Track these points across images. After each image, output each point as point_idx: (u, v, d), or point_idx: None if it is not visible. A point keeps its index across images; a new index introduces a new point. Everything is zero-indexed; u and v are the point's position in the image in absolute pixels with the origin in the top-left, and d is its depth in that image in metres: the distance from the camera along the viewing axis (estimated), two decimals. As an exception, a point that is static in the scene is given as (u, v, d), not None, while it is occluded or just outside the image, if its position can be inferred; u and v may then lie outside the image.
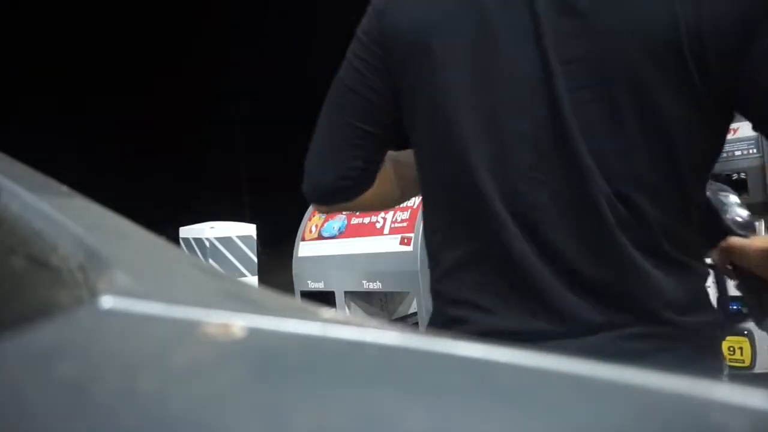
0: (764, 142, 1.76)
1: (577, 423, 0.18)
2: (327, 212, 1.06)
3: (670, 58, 0.56)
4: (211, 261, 4.04)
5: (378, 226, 2.32)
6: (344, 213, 2.54)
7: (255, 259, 4.43)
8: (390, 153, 0.82)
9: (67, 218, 0.32)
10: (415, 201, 2.27)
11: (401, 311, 2.77)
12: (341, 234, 2.47)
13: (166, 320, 0.24)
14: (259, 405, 0.18)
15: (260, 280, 4.58)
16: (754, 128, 0.61)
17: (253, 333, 0.24)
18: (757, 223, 1.70)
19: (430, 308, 2.29)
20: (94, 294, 0.25)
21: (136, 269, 0.29)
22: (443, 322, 0.73)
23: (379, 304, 2.66)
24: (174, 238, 4.56)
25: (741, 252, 0.68)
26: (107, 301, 0.24)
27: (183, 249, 3.96)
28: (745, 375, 1.74)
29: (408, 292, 2.52)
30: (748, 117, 0.60)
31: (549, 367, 0.21)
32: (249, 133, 19.29)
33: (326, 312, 0.28)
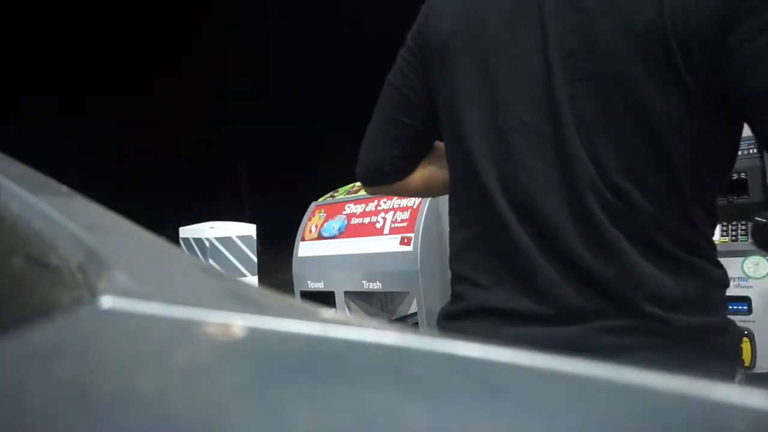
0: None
1: (577, 423, 0.18)
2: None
3: (657, 52, 0.57)
4: (211, 261, 4.04)
5: (378, 226, 2.32)
6: (344, 214, 2.54)
7: (255, 259, 4.42)
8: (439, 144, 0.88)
9: (67, 218, 0.32)
10: (415, 201, 2.26)
11: (401, 311, 2.77)
12: (341, 234, 2.47)
13: (166, 320, 0.24)
14: (259, 405, 0.18)
15: (260, 280, 4.58)
16: (751, 129, 0.60)
17: (253, 333, 0.23)
18: None
19: (430, 308, 2.28)
20: (94, 294, 0.25)
21: (136, 269, 0.29)
22: (451, 297, 0.81)
23: (379, 304, 2.66)
24: (174, 238, 4.56)
25: None
26: (107, 301, 0.24)
27: (183, 249, 3.96)
28: (744, 375, 1.74)
29: (408, 292, 2.52)
30: (743, 116, 0.60)
31: (549, 367, 0.21)
32: (249, 133, 19.28)
33: (326, 312, 0.28)
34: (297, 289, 2.62)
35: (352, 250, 2.40)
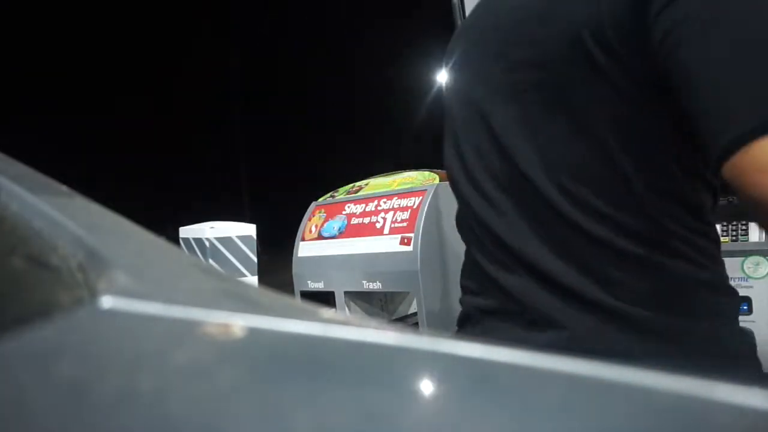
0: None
1: (577, 422, 0.18)
2: None
3: (578, 52, 0.57)
4: (211, 261, 4.04)
5: (378, 226, 2.32)
6: (344, 214, 2.54)
7: (255, 259, 4.43)
8: None
9: (67, 218, 0.32)
10: (415, 201, 2.26)
11: (401, 311, 2.77)
12: (341, 234, 2.47)
13: (166, 320, 0.24)
14: (259, 405, 0.18)
15: (260, 280, 4.58)
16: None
17: (253, 333, 0.23)
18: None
19: (430, 308, 2.28)
20: (94, 294, 0.25)
21: (136, 269, 0.29)
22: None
23: (379, 304, 2.66)
24: (174, 238, 4.56)
25: None
26: (107, 301, 0.24)
27: (183, 249, 3.95)
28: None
29: (408, 292, 2.52)
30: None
31: (549, 367, 0.21)
32: (249, 133, 19.29)
33: (326, 312, 0.28)
34: (297, 289, 2.62)
35: (352, 250, 2.40)
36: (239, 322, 0.24)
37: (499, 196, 0.67)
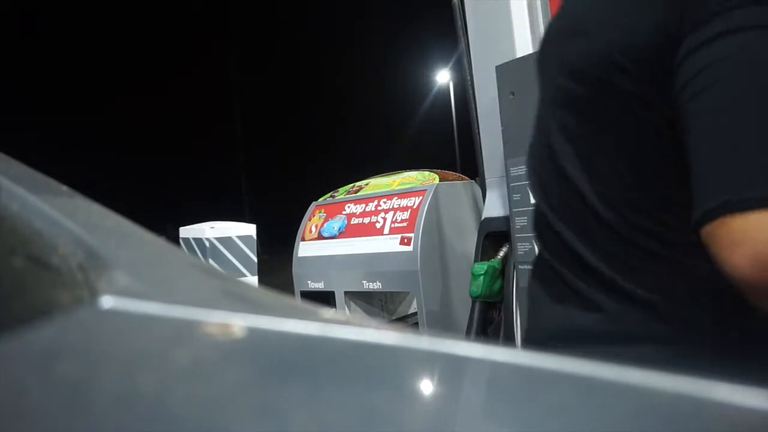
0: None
1: (577, 422, 0.18)
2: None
3: (614, 74, 0.59)
4: (211, 261, 4.03)
5: (378, 226, 2.32)
6: (344, 214, 2.54)
7: (255, 259, 4.42)
8: None
9: (67, 218, 0.32)
10: (415, 201, 2.26)
11: (401, 311, 2.77)
12: (341, 234, 2.47)
13: (166, 320, 0.24)
14: (259, 404, 0.18)
15: (260, 280, 4.58)
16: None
17: (253, 333, 0.23)
18: None
19: (430, 308, 2.27)
20: (94, 294, 0.25)
21: (136, 269, 0.29)
22: None
23: (379, 304, 2.66)
24: (174, 238, 4.56)
25: None
26: (107, 301, 0.24)
27: (183, 249, 3.95)
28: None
29: (408, 292, 2.52)
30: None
31: (549, 367, 0.21)
32: (249, 133, 19.29)
33: (326, 312, 0.28)
34: (297, 289, 2.62)
35: (352, 250, 2.40)
36: (239, 322, 0.24)
37: (555, 202, 0.71)
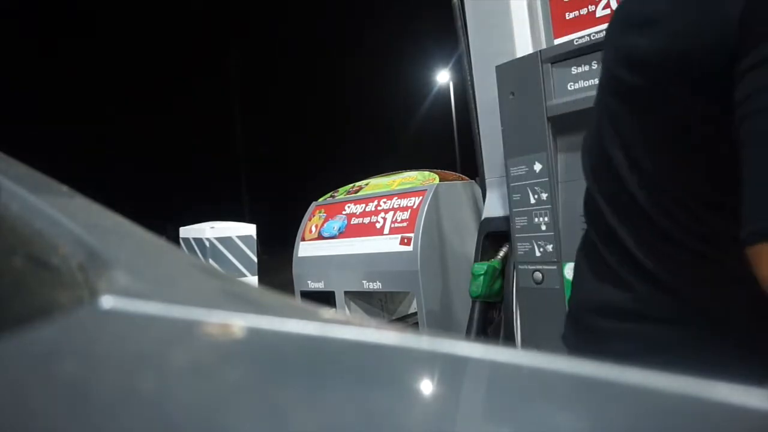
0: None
1: (576, 422, 0.18)
2: None
3: (678, 71, 0.61)
4: (211, 261, 4.04)
5: (378, 226, 2.32)
6: (344, 214, 2.54)
7: (255, 259, 4.42)
8: None
9: (68, 218, 0.32)
10: (415, 201, 2.26)
11: (401, 311, 2.77)
12: (341, 234, 2.47)
13: (166, 320, 0.24)
14: (259, 404, 0.18)
15: (260, 280, 4.58)
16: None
17: (253, 333, 0.23)
18: None
19: (430, 308, 2.27)
20: (94, 294, 0.25)
21: (136, 269, 0.29)
22: None
23: (379, 304, 2.66)
24: (174, 238, 4.56)
25: None
26: (107, 301, 0.24)
27: (183, 249, 3.95)
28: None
29: (408, 292, 2.52)
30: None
31: (549, 367, 0.21)
32: (249, 133, 19.29)
33: (326, 312, 0.28)
34: (297, 289, 2.62)
35: (352, 250, 2.40)
36: (239, 322, 0.24)
37: (603, 187, 0.75)
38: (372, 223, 2.38)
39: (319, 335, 0.24)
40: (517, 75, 1.64)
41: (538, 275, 1.61)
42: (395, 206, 2.34)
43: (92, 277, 0.27)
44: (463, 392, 0.21)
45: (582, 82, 1.52)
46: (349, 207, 2.55)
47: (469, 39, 2.02)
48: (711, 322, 0.66)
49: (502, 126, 1.68)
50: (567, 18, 1.78)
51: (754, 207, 0.54)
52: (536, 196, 1.61)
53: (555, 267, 1.57)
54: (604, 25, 1.62)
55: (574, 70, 1.53)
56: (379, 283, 2.28)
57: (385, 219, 2.33)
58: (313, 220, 2.66)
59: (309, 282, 2.57)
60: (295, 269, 2.64)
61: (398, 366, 0.22)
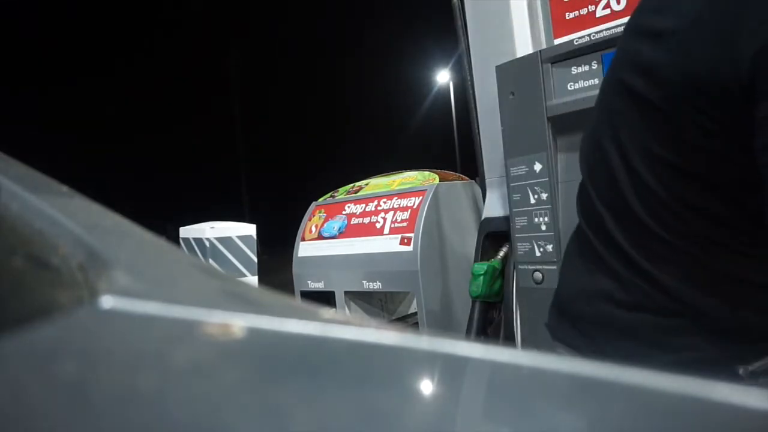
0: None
1: (576, 422, 0.18)
2: None
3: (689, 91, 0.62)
4: (211, 261, 4.04)
5: (378, 226, 2.31)
6: (344, 214, 2.54)
7: (255, 259, 4.42)
8: None
9: (68, 218, 0.32)
10: (415, 201, 2.26)
11: (401, 311, 2.77)
12: (341, 234, 2.47)
13: (166, 320, 0.24)
14: (259, 404, 0.18)
15: (260, 280, 4.58)
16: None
17: (253, 333, 0.23)
18: None
19: (430, 308, 2.27)
20: (94, 294, 0.25)
21: (136, 269, 0.29)
22: None
23: (379, 304, 2.66)
24: (174, 238, 4.56)
25: None
26: (107, 301, 0.24)
27: (183, 249, 3.95)
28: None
29: (408, 292, 2.52)
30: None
31: (549, 367, 0.21)
32: (249, 132, 19.28)
33: (326, 312, 0.28)
34: (297, 289, 2.62)
35: (352, 250, 2.40)
36: (239, 322, 0.24)
37: (597, 183, 0.77)
38: (372, 223, 2.38)
39: (319, 335, 0.24)
40: (517, 75, 1.64)
41: (538, 275, 1.61)
42: (395, 206, 2.34)
43: (92, 277, 0.27)
44: (463, 392, 0.21)
45: (582, 82, 1.52)
46: (349, 207, 2.55)
47: (469, 39, 2.01)
48: (694, 314, 0.68)
49: (502, 126, 1.68)
50: (567, 18, 1.78)
51: None
52: (536, 196, 1.61)
53: (555, 267, 1.57)
54: (605, 25, 1.61)
55: (574, 70, 1.53)
56: (379, 283, 2.28)
57: (385, 219, 2.33)
58: (313, 220, 2.66)
59: (309, 282, 2.57)
60: (295, 269, 2.64)
61: (398, 366, 0.22)
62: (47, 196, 0.36)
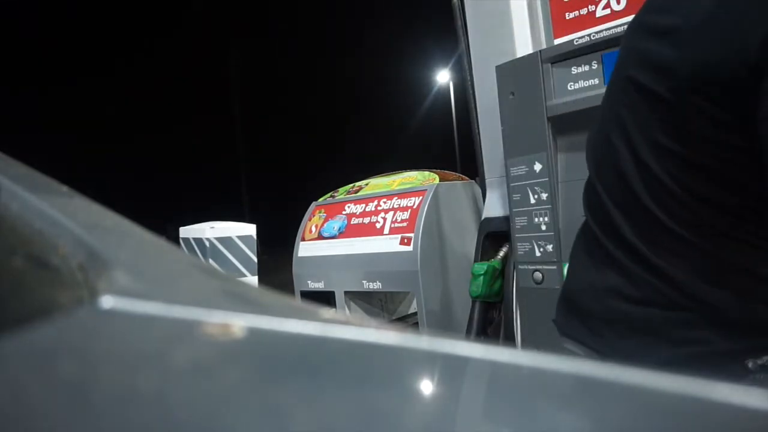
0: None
1: (576, 422, 0.18)
2: None
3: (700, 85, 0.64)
4: (211, 261, 4.04)
5: (378, 226, 2.31)
6: (344, 214, 2.54)
7: (255, 259, 4.42)
8: None
9: (68, 218, 0.32)
10: (415, 201, 2.26)
11: (401, 311, 2.77)
12: (341, 234, 2.47)
13: (166, 320, 0.24)
14: (259, 404, 0.18)
15: (260, 280, 4.58)
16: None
17: (253, 333, 0.24)
18: None
19: (430, 308, 2.27)
20: (94, 294, 0.25)
21: (136, 269, 0.29)
22: None
23: (379, 304, 2.66)
24: (174, 238, 4.56)
25: None
26: (107, 301, 0.24)
27: (183, 249, 3.95)
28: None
29: (408, 292, 2.52)
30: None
31: (549, 367, 0.21)
32: (249, 132, 19.28)
33: (326, 312, 0.28)
34: (297, 289, 2.62)
35: (352, 250, 2.40)
36: (239, 322, 0.24)
37: (605, 180, 0.78)
38: (372, 223, 2.37)
39: (319, 335, 0.24)
40: (517, 75, 1.64)
41: (538, 275, 1.61)
42: (395, 206, 2.34)
43: (92, 277, 0.27)
44: (463, 392, 0.21)
45: (582, 82, 1.52)
46: (349, 207, 2.55)
47: (469, 39, 2.01)
48: (703, 308, 0.68)
49: (502, 126, 1.68)
50: (567, 18, 1.78)
51: None
52: (536, 196, 1.61)
53: (555, 267, 1.57)
54: (605, 25, 1.61)
55: (574, 70, 1.53)
56: (379, 283, 2.28)
57: (385, 219, 2.33)
58: (313, 220, 2.66)
59: (309, 282, 2.57)
60: (295, 269, 2.64)
61: (398, 366, 0.22)
62: (47, 196, 0.36)
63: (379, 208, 2.40)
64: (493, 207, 1.98)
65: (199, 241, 4.25)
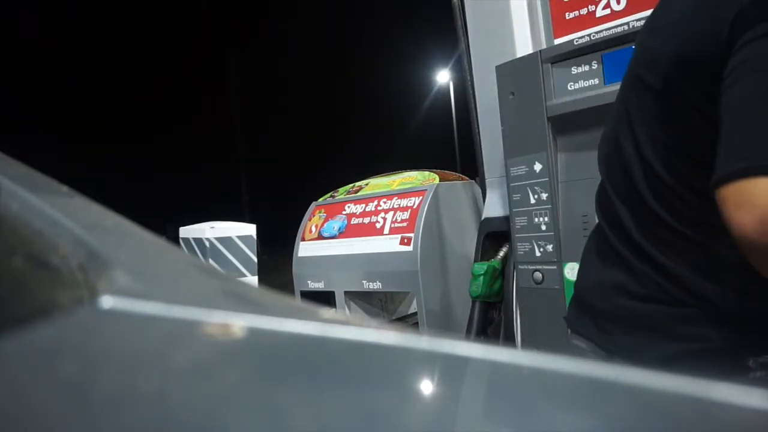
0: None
1: (576, 422, 0.18)
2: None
3: (687, 73, 0.66)
4: (211, 261, 4.04)
5: (378, 226, 2.31)
6: (344, 214, 2.54)
7: (255, 259, 4.42)
8: None
9: (67, 218, 0.32)
10: (415, 201, 2.26)
11: (401, 311, 2.77)
12: (341, 234, 2.46)
13: (166, 320, 0.24)
14: (259, 404, 0.18)
15: (260, 280, 4.58)
16: None
17: (253, 333, 0.24)
18: None
19: (430, 308, 2.27)
20: (94, 294, 0.25)
21: (136, 269, 0.29)
22: None
23: (379, 304, 2.66)
24: (174, 238, 4.56)
25: None
26: (107, 301, 0.24)
27: (183, 249, 3.95)
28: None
29: (408, 292, 2.52)
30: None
31: (549, 367, 0.21)
32: (249, 132, 19.28)
33: (326, 312, 0.28)
34: (297, 289, 2.62)
35: (352, 250, 2.40)
36: (239, 322, 0.24)
37: (614, 181, 0.80)
38: (372, 223, 2.37)
39: (319, 335, 0.24)
40: (517, 75, 1.64)
41: (538, 275, 1.61)
42: (395, 206, 2.34)
43: (92, 277, 0.27)
44: (463, 392, 0.21)
45: (582, 82, 1.52)
46: (349, 207, 2.55)
47: (469, 39, 2.01)
48: (705, 305, 0.70)
49: (502, 126, 1.68)
50: (567, 18, 1.78)
51: (728, 152, 0.58)
52: (536, 196, 1.61)
53: (555, 267, 1.57)
54: (605, 25, 1.62)
55: (574, 70, 1.53)
56: (379, 283, 2.28)
57: (385, 219, 2.33)
58: (313, 220, 2.66)
59: (309, 282, 2.57)
60: (295, 269, 2.64)
61: (398, 366, 0.22)
62: (47, 196, 0.36)
63: (379, 208, 2.40)
64: (493, 207, 1.98)
65: (199, 241, 4.25)
